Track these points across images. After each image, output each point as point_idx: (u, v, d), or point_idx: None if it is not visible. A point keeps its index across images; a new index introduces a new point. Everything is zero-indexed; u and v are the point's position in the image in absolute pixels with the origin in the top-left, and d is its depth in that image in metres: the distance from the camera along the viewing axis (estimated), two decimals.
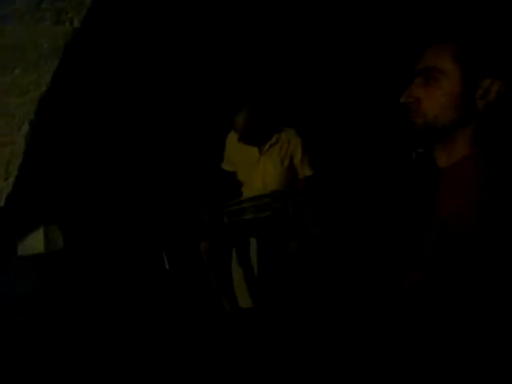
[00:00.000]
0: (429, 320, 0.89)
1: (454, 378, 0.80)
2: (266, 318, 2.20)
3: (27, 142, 2.41)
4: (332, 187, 2.70)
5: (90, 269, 2.56)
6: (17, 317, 2.11)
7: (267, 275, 2.41)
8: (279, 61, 2.88)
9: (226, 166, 2.50)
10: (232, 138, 2.42)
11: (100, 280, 2.51)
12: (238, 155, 2.41)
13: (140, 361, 1.80)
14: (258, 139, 2.31)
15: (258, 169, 2.36)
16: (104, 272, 2.58)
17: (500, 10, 2.14)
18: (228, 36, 2.75)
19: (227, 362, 1.77)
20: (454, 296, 0.83)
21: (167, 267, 2.93)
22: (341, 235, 2.61)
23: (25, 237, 2.51)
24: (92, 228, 2.73)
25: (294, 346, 1.75)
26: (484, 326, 0.77)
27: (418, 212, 0.99)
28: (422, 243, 0.95)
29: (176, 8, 2.56)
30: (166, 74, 2.81)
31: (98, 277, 2.53)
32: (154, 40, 2.62)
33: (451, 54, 0.87)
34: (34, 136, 2.43)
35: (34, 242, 2.51)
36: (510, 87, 0.85)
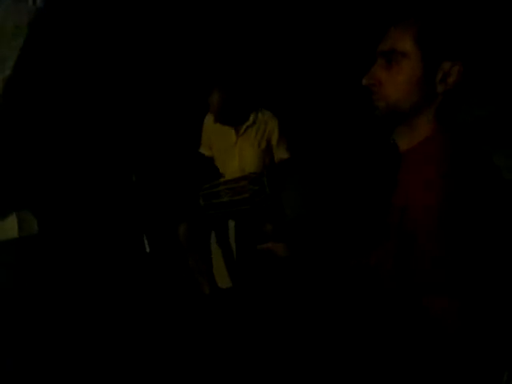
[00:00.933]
0: (391, 298, 0.89)
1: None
2: (244, 298, 2.20)
3: None
4: (309, 170, 2.69)
5: (67, 253, 2.54)
6: None
7: (245, 256, 2.41)
8: (254, 41, 2.84)
9: (203, 150, 2.47)
10: (208, 120, 2.40)
11: (78, 264, 2.49)
12: (214, 138, 2.39)
13: (121, 345, 1.79)
14: (234, 119, 2.28)
15: (234, 151, 2.33)
16: (82, 257, 2.55)
17: None
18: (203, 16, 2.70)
19: (207, 343, 1.76)
20: (412, 275, 0.82)
21: (147, 250, 2.92)
22: (318, 217, 2.61)
23: None
24: (69, 212, 2.70)
25: (273, 327, 1.74)
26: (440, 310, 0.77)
27: (384, 194, 0.98)
28: (386, 223, 0.94)
29: None
30: (131, 50, 2.75)
31: (76, 261, 2.50)
32: (118, 16, 2.56)
33: (412, 37, 0.85)
34: (1, 119, 2.38)
35: (6, 227, 2.47)
36: (470, 69, 0.84)
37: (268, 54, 2.88)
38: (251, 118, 2.30)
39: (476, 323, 0.76)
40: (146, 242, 2.93)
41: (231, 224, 2.50)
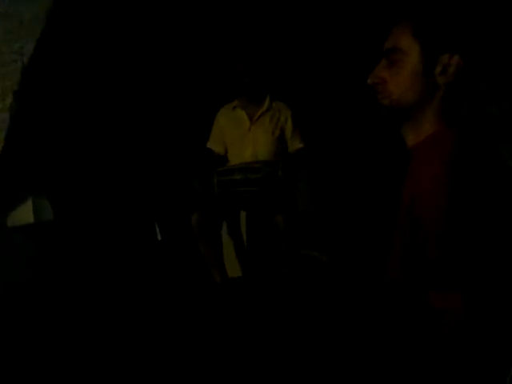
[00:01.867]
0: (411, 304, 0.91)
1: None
2: (254, 288, 2.23)
3: (12, 113, 2.41)
4: (320, 163, 2.70)
5: (81, 239, 2.59)
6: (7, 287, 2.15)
7: (256, 247, 2.44)
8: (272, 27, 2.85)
9: (213, 146, 2.48)
10: (221, 114, 2.44)
11: (91, 251, 2.54)
12: (228, 129, 2.41)
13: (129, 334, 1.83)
14: (253, 96, 2.32)
15: (248, 138, 2.36)
16: (95, 244, 2.61)
17: None
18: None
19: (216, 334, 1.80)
20: (417, 269, 0.84)
21: (159, 238, 2.96)
22: (329, 210, 2.63)
23: (14, 208, 2.53)
24: (83, 199, 2.75)
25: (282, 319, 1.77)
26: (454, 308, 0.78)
27: (394, 191, 1.00)
28: (396, 222, 0.97)
29: None
30: (148, 47, 2.78)
31: (89, 247, 2.56)
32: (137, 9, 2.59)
33: (410, 32, 0.88)
34: (19, 106, 2.43)
35: (24, 213, 2.53)
36: (471, 62, 0.86)
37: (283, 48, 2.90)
38: (265, 105, 2.34)
39: (480, 320, 0.77)
40: (157, 230, 2.98)
41: (242, 215, 2.53)
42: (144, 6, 2.62)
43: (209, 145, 2.48)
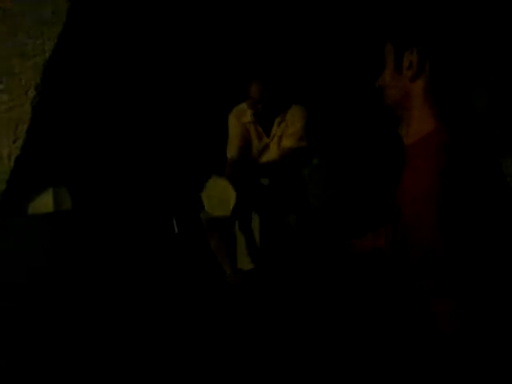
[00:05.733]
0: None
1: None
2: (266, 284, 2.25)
3: (33, 106, 2.51)
4: (333, 163, 2.70)
5: (98, 230, 2.67)
6: (26, 273, 2.24)
7: (269, 245, 2.45)
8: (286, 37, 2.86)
9: (229, 152, 2.43)
10: (235, 119, 2.37)
11: (108, 241, 2.62)
12: (244, 137, 2.37)
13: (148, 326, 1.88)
14: (269, 112, 2.25)
15: (264, 153, 2.33)
16: (112, 234, 2.68)
17: None
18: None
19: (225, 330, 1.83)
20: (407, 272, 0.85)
21: (176, 231, 3.02)
22: (339, 209, 2.63)
23: (34, 197, 2.64)
24: (101, 191, 2.83)
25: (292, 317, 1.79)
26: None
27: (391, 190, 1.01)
28: (389, 218, 1.00)
29: None
30: (166, 41, 2.83)
31: (106, 238, 2.64)
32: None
33: (388, 36, 0.95)
34: (40, 100, 2.52)
35: (43, 202, 2.63)
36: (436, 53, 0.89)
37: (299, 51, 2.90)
38: (280, 116, 2.28)
39: (477, 324, 0.76)
40: (174, 223, 3.04)
41: (255, 215, 2.55)
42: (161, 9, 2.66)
43: (228, 153, 2.43)
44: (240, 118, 2.37)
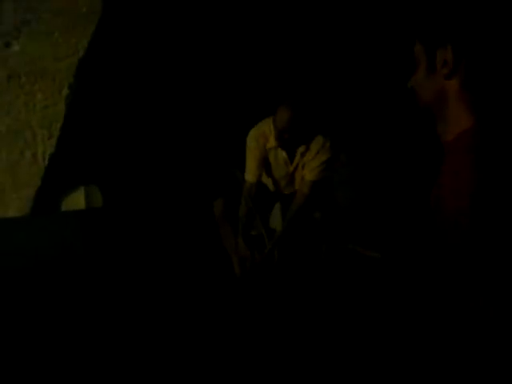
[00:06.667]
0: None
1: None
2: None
3: (67, 105, 2.55)
4: (361, 162, 2.69)
5: (127, 226, 2.74)
6: (58, 267, 2.32)
7: (292, 241, 2.46)
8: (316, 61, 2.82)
9: (250, 177, 2.30)
10: (255, 142, 2.24)
11: (136, 236, 2.69)
12: (264, 161, 2.27)
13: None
14: (295, 141, 2.14)
15: (287, 179, 2.28)
16: (140, 229, 2.75)
17: None
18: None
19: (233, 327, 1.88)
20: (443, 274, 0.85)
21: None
22: (369, 206, 2.64)
23: (67, 193, 2.70)
24: (129, 187, 2.89)
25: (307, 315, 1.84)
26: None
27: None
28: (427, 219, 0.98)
29: None
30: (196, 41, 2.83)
31: (134, 233, 2.70)
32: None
33: (417, 39, 0.95)
34: (74, 99, 2.55)
35: (76, 199, 2.69)
36: (470, 50, 0.87)
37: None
38: (303, 146, 2.17)
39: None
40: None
41: (277, 206, 2.57)
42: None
43: (246, 177, 2.33)
44: (261, 142, 2.24)
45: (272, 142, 2.21)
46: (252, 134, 2.27)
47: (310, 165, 2.20)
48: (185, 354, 1.66)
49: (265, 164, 2.28)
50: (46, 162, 2.59)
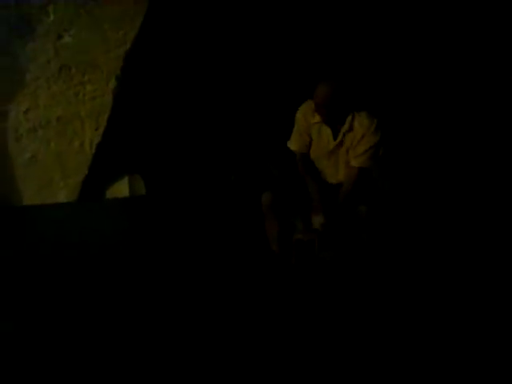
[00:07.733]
0: None
1: None
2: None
3: (114, 96, 2.63)
4: (404, 157, 2.65)
5: (169, 213, 2.81)
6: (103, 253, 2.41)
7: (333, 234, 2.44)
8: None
9: (292, 146, 2.34)
10: (304, 116, 2.26)
11: (179, 224, 2.75)
12: (311, 139, 2.25)
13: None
14: (336, 117, 2.13)
15: (331, 160, 2.28)
16: (182, 218, 2.81)
17: None
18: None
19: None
20: None
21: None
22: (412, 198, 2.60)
23: (112, 182, 2.80)
24: (171, 176, 2.96)
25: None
26: None
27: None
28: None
29: None
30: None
31: (175, 220, 2.77)
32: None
33: None
34: (121, 90, 2.63)
35: (120, 188, 2.79)
36: None
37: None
38: (347, 125, 2.15)
39: None
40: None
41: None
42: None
43: (289, 145, 2.34)
44: (307, 117, 2.31)
45: (317, 118, 2.26)
46: (301, 108, 2.33)
47: (356, 150, 2.19)
48: (195, 350, 1.68)
49: (309, 139, 2.32)
50: (93, 151, 2.70)
